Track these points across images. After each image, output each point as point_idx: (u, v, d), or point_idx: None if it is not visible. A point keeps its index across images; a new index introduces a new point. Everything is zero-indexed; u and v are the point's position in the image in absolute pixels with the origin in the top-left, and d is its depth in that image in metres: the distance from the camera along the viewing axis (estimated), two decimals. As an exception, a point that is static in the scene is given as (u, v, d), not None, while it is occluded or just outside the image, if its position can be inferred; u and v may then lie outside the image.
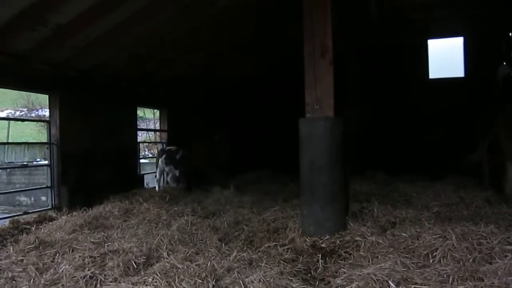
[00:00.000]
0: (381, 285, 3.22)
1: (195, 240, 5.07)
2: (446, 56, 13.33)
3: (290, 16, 6.19)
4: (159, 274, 3.63)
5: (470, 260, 3.78)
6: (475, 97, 10.92)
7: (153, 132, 17.00)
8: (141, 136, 17.76)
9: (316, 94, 4.86)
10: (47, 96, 7.78)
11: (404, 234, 4.56)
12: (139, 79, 9.26)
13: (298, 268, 4.06)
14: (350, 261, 4.13)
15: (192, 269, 3.74)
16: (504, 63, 11.10)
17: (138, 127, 10.94)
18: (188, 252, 4.31)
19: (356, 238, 4.63)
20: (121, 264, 3.97)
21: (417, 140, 11.72)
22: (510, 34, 11.26)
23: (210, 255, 4.30)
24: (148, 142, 17.09)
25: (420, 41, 12.30)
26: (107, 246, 4.66)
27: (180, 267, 3.76)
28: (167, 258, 4.12)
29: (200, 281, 3.57)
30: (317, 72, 4.89)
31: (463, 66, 12.45)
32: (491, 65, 11.18)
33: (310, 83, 4.90)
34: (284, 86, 11.69)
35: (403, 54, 12.22)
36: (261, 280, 3.61)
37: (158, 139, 12.24)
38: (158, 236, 4.96)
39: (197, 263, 3.92)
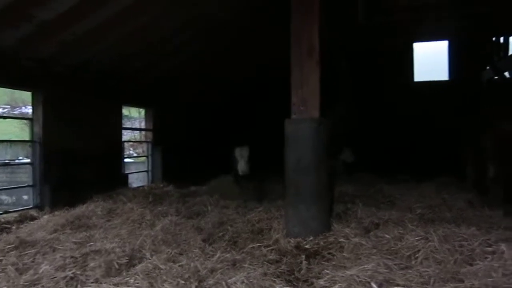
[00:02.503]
0: (363, 287, 3.24)
1: (178, 240, 5.02)
2: (431, 59, 13.51)
3: (279, 16, 6.19)
4: (141, 275, 3.60)
5: (451, 262, 3.82)
6: (459, 100, 11.07)
7: (138, 131, 16.85)
8: (127, 135, 17.61)
9: (302, 94, 4.86)
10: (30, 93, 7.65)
11: (387, 236, 4.60)
12: (125, 78, 9.17)
13: (281, 269, 4.05)
14: (334, 262, 4.12)
15: (175, 270, 3.71)
16: (488, 67, 11.28)
17: (124, 126, 10.85)
18: (171, 253, 4.28)
19: (340, 239, 4.65)
20: (102, 264, 3.92)
21: (403, 141, 11.83)
22: (494, 38, 11.43)
23: (193, 255, 4.28)
24: (133, 142, 16.96)
25: (406, 44, 12.42)
26: (89, 246, 4.61)
27: (163, 267, 3.73)
28: (149, 259, 4.09)
29: (183, 282, 3.54)
30: (304, 73, 4.89)
31: (447, 70, 12.61)
32: (475, 69, 11.35)
33: (296, 84, 4.90)
34: (274, 86, 11.68)
35: (390, 57, 12.34)
36: (244, 281, 3.60)
37: (143, 139, 12.15)
38: (141, 236, 4.90)
39: (180, 263, 3.90)
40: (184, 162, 11.07)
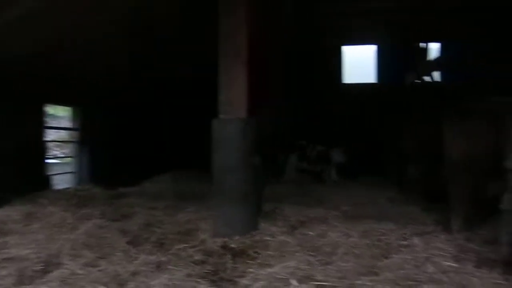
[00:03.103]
0: (283, 283, 3.30)
1: (101, 244, 4.80)
2: (360, 62, 14.05)
3: (212, 15, 6.15)
4: (56, 282, 3.43)
5: (369, 256, 4.00)
6: (385, 102, 11.60)
7: (65, 131, 16.02)
8: (53, 135, 16.72)
9: (229, 95, 4.88)
10: None
11: (311, 233, 4.73)
12: (48, 75, 8.68)
13: (206, 270, 4.02)
14: (259, 261, 4.16)
15: (93, 274, 3.57)
16: (411, 72, 11.95)
17: (48, 125, 10.30)
18: (92, 257, 4.11)
19: (266, 238, 4.71)
20: (14, 272, 3.68)
21: (334, 142, 12.19)
22: (420, 44, 12.15)
23: (116, 259, 4.14)
24: (59, 141, 16.15)
25: (335, 47, 12.83)
26: (2, 253, 4.31)
27: (80, 273, 3.58)
28: (67, 264, 3.90)
29: (102, 286, 3.42)
30: (231, 73, 4.90)
31: (375, 73, 13.19)
32: (400, 73, 11.97)
33: (224, 84, 4.91)
34: (206, 85, 11.58)
35: (321, 59, 12.67)
36: (167, 283, 3.55)
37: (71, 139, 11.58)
38: (60, 241, 4.66)
39: (100, 268, 3.76)
40: (115, 163, 10.71)
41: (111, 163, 10.58)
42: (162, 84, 11.65)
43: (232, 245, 4.62)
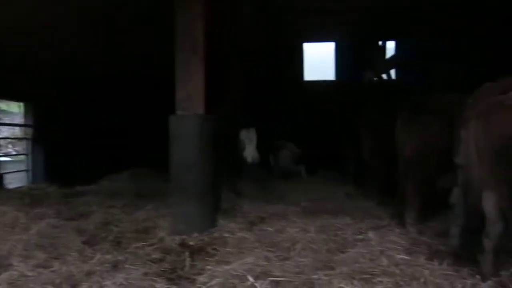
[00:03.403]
0: (240, 280, 3.31)
1: (56, 244, 4.67)
2: (320, 60, 14.22)
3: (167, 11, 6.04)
4: (4, 285, 3.29)
5: (326, 251, 4.07)
6: (344, 99, 11.79)
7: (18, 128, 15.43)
8: (6, 132, 16.07)
9: (187, 91, 4.83)
10: None
11: (270, 229, 4.77)
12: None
13: (164, 268, 3.99)
14: (217, 258, 4.15)
15: (44, 276, 3.46)
16: (369, 70, 12.22)
17: (1, 121, 9.89)
18: (44, 258, 3.98)
19: (225, 235, 4.72)
20: (-42, 276, 3.52)
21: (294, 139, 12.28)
22: (376, 42, 12.41)
23: (70, 259, 4.03)
24: (11, 138, 15.54)
25: (296, 44, 12.92)
26: None
27: (30, 274, 3.46)
28: (17, 266, 3.75)
29: (53, 288, 3.32)
30: (189, 69, 4.85)
31: (334, 70, 13.39)
32: (359, 71, 12.21)
33: (181, 81, 4.85)
34: (162, 82, 11.40)
35: (281, 56, 12.73)
36: (123, 282, 3.49)
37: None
38: (11, 241, 4.49)
39: (52, 269, 3.65)
40: (71, 161, 10.41)
41: (67, 161, 10.27)
42: (120, 80, 11.39)
43: (191, 243, 4.60)
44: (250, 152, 7.20)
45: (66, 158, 10.31)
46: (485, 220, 3.37)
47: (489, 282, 3.27)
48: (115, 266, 3.93)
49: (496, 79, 3.45)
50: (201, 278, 3.55)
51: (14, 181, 9.39)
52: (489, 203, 3.32)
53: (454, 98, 4.53)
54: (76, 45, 8.74)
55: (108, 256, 4.12)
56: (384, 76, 12.20)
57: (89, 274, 3.64)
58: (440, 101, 4.93)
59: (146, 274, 3.73)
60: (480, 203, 3.36)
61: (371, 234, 4.39)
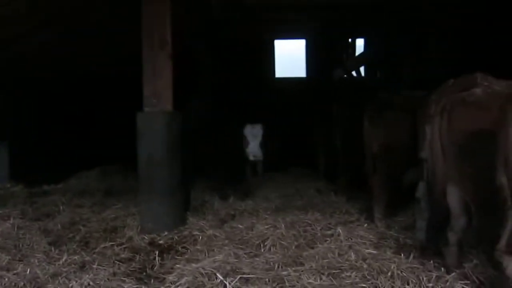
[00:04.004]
0: (209, 278, 3.29)
1: (20, 246, 4.54)
2: (292, 57, 14.28)
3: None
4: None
5: (295, 247, 4.10)
6: (314, 96, 11.87)
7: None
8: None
9: (154, 87, 4.77)
10: None
11: (240, 226, 4.77)
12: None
13: (133, 268, 3.95)
14: (187, 256, 4.13)
15: (7, 279, 3.36)
16: (339, 67, 12.34)
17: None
18: (7, 260, 3.86)
19: (194, 233, 4.69)
20: None
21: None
22: (349, 40, 12.56)
23: (35, 261, 3.93)
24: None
25: (267, 41, 12.93)
26: None
27: (-8, 277, 3.35)
28: (-23, 270, 3.63)
29: (17, 291, 3.23)
30: (156, 65, 4.80)
31: (305, 67, 13.47)
32: (329, 68, 12.32)
33: (148, 77, 4.79)
34: (131, 79, 11.21)
35: (253, 52, 12.71)
36: (90, 283, 3.43)
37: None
38: (-29, 245, 4.35)
39: (15, 271, 3.54)
40: (37, 159, 10.11)
41: (33, 159, 9.98)
42: (87, 76, 11.15)
43: (160, 241, 4.57)
44: (252, 149, 7.01)
45: (31, 156, 10.01)
46: (449, 214, 3.46)
47: (454, 274, 3.36)
48: (83, 267, 3.87)
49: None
50: (170, 277, 3.52)
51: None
52: (453, 198, 3.41)
53: (419, 95, 4.64)
54: (35, 41, 8.48)
55: (75, 257, 4.05)
56: (354, 73, 12.36)
57: (54, 275, 3.56)
58: (404, 98, 5.04)
59: (114, 274, 3.69)
60: (445, 198, 3.44)
61: (340, 230, 4.44)
